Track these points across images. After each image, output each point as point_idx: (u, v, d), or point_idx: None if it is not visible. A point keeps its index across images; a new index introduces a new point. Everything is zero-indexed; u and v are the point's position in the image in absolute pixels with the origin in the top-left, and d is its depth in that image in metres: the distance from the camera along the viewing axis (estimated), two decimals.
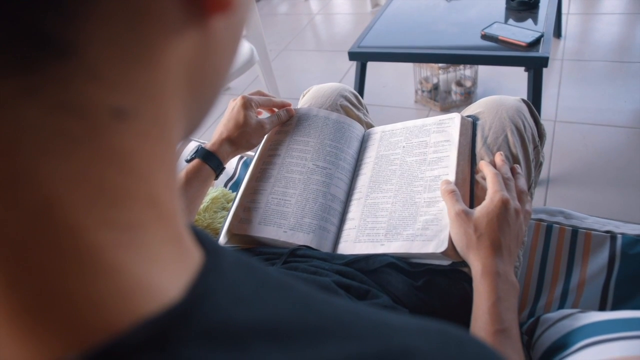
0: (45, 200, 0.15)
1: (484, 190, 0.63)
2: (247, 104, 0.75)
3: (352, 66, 2.25)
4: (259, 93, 0.81)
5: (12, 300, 0.14)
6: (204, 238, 0.21)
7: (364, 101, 0.93)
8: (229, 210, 0.77)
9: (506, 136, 0.70)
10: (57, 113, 0.15)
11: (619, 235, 0.77)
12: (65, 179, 0.15)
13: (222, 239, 0.70)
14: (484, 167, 0.65)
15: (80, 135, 0.15)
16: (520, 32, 1.30)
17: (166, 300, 0.16)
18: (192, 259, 0.19)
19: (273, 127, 0.80)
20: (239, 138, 0.74)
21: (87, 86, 0.15)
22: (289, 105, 0.83)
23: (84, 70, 0.15)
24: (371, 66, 1.56)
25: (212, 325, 0.16)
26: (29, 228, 0.15)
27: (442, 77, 1.90)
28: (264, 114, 0.82)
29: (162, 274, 0.17)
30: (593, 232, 0.79)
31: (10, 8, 0.13)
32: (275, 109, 0.82)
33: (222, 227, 0.73)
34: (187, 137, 0.22)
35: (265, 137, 0.80)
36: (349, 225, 0.70)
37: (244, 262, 0.21)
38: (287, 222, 0.68)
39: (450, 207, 0.60)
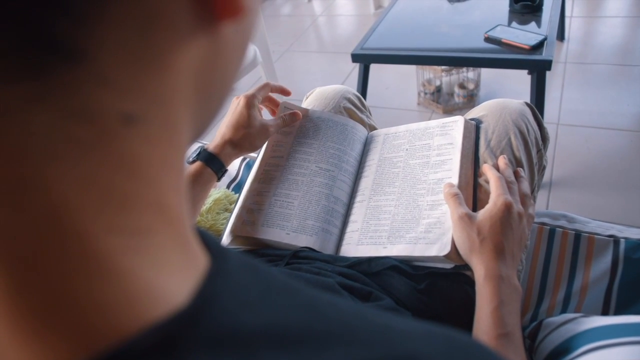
0: (54, 205, 0.15)
1: (487, 193, 0.63)
2: (250, 103, 0.72)
3: (355, 68, 2.24)
4: (266, 87, 0.78)
5: (19, 304, 0.14)
6: (209, 241, 0.21)
7: (366, 103, 0.93)
8: (231, 212, 0.77)
9: (509, 139, 0.70)
10: (67, 118, 0.15)
11: (622, 240, 0.76)
12: (74, 184, 0.15)
13: (224, 241, 0.70)
14: (487, 170, 0.65)
15: (89, 141, 0.15)
16: (524, 35, 1.30)
17: (173, 305, 0.16)
18: (198, 262, 0.19)
19: (277, 130, 0.78)
20: (242, 140, 0.71)
21: (97, 91, 0.15)
22: (289, 92, 0.82)
23: (93, 75, 0.15)
24: (374, 68, 1.55)
25: (219, 331, 0.16)
26: (37, 233, 0.15)
27: (445, 79, 1.91)
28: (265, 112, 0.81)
29: (170, 279, 0.17)
30: (596, 236, 0.78)
31: (20, 12, 0.13)
32: (278, 111, 0.82)
33: (225, 228, 0.73)
34: (194, 140, 0.22)
35: None
36: (351, 227, 0.70)
37: (250, 264, 0.21)
38: (290, 224, 0.68)
39: (453, 210, 0.60)
